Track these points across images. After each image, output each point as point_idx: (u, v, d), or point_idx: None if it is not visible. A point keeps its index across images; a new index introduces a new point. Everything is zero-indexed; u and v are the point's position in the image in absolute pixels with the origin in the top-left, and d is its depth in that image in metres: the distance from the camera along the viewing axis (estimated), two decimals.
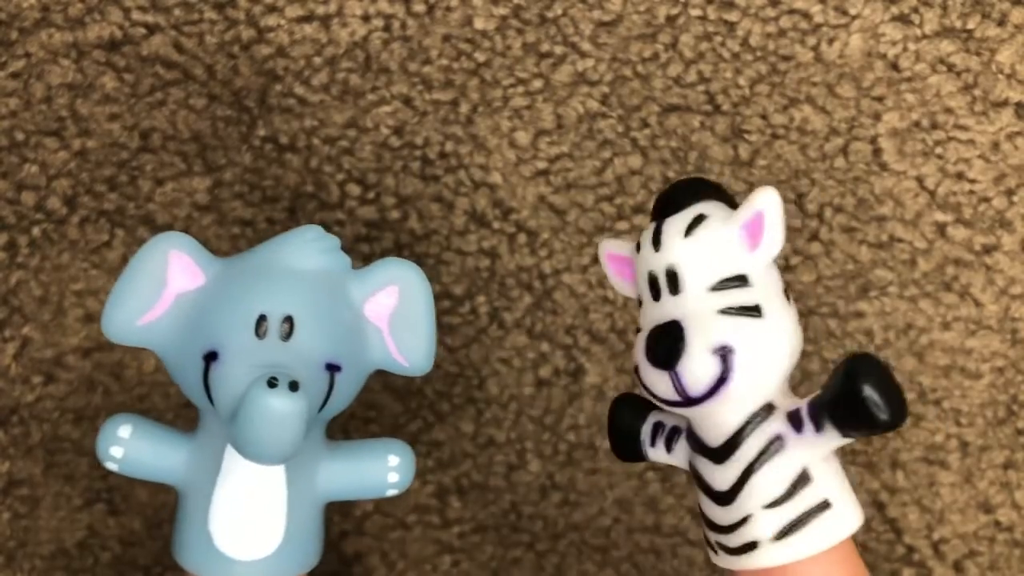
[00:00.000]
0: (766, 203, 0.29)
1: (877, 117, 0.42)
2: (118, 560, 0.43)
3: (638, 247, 0.31)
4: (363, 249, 0.43)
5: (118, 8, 0.41)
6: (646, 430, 0.32)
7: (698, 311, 0.29)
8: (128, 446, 0.33)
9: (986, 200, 0.43)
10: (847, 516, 0.29)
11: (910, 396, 0.43)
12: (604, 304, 0.43)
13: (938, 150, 0.43)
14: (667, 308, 0.29)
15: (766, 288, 0.29)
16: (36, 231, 0.42)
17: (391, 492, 0.35)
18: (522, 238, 0.43)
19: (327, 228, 0.42)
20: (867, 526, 0.43)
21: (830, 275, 0.43)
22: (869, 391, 0.27)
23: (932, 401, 0.43)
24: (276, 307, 0.32)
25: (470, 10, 0.42)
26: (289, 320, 0.32)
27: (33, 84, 0.41)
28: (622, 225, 0.43)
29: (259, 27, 0.42)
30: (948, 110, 0.42)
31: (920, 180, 0.43)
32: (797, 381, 0.43)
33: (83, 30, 0.41)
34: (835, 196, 0.43)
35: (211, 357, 0.31)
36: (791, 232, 0.43)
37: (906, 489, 0.44)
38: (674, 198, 0.31)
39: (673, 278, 0.29)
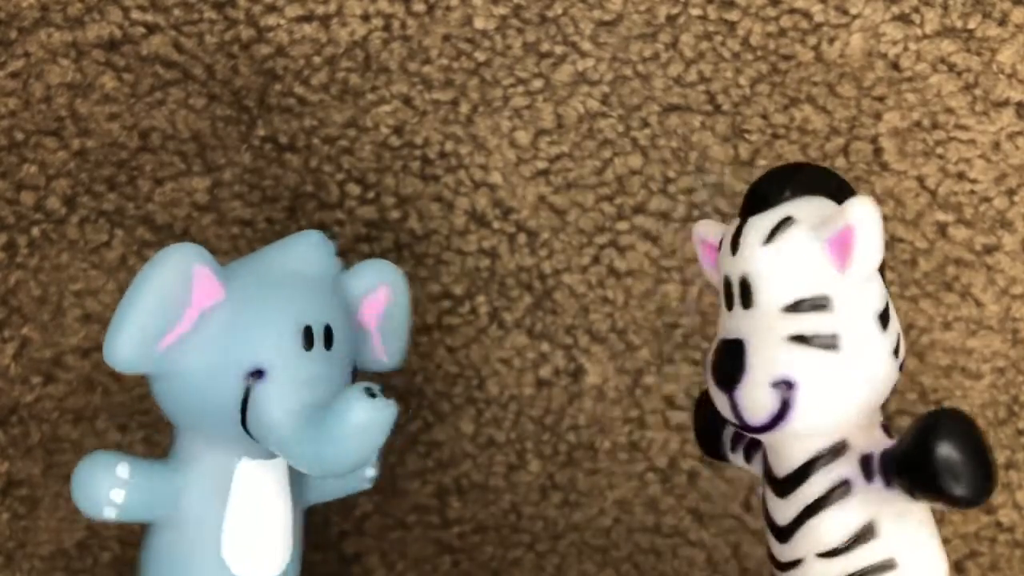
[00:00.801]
0: (859, 216, 0.25)
1: (878, 117, 0.42)
2: (117, 560, 0.43)
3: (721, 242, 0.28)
4: (363, 249, 0.43)
5: (117, 8, 0.41)
6: (727, 433, 0.30)
7: (766, 333, 0.26)
8: (130, 488, 0.31)
9: (987, 200, 0.43)
10: None
11: (911, 396, 0.43)
12: (604, 304, 0.43)
13: (939, 150, 0.42)
14: (736, 322, 0.26)
15: (851, 314, 0.26)
16: (35, 231, 0.42)
17: (366, 487, 0.36)
18: (522, 238, 0.43)
19: (327, 228, 0.42)
20: None
21: None
22: (945, 455, 0.23)
23: (933, 401, 0.43)
24: (317, 317, 0.31)
25: (470, 9, 0.42)
26: (328, 329, 0.31)
27: (32, 84, 0.41)
28: (622, 225, 0.43)
29: (259, 27, 0.42)
30: (949, 110, 0.42)
31: (921, 180, 0.43)
32: None
33: (82, 30, 0.41)
34: None
35: (256, 375, 0.30)
36: None
37: None
38: (767, 190, 0.27)
39: (746, 289, 0.26)
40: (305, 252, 0.32)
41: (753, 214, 0.27)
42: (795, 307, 0.26)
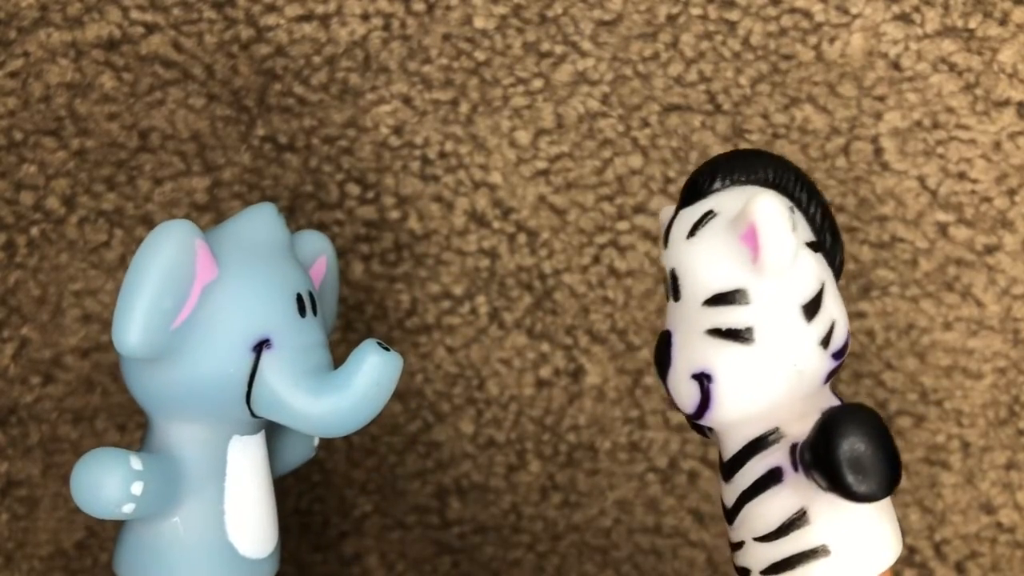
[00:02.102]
0: (760, 213, 0.25)
1: (878, 116, 0.42)
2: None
3: None
4: (363, 249, 0.43)
5: (117, 7, 0.41)
6: None
7: (688, 326, 0.26)
8: (146, 479, 0.29)
9: (988, 200, 0.43)
10: (850, 568, 0.26)
11: (912, 396, 0.43)
12: (604, 304, 0.43)
13: (940, 150, 0.42)
14: (670, 313, 0.27)
15: (770, 306, 0.26)
16: (35, 231, 0.42)
17: (312, 455, 0.37)
18: (522, 238, 0.43)
19: (326, 228, 0.42)
20: None
21: None
22: (846, 451, 0.24)
23: (934, 402, 0.43)
24: (303, 285, 0.32)
25: (470, 9, 0.42)
26: (311, 296, 0.32)
27: (31, 83, 0.41)
28: (623, 225, 0.43)
29: (258, 26, 0.42)
30: (950, 109, 0.42)
31: (922, 180, 0.43)
32: None
33: (82, 29, 0.41)
34: (836, 196, 0.43)
35: (262, 346, 0.30)
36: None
37: (907, 490, 0.44)
38: (698, 182, 0.27)
39: (675, 282, 0.27)
40: (265, 225, 0.33)
41: (685, 206, 0.27)
42: (713, 301, 0.26)
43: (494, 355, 0.43)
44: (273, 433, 0.35)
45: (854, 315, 0.43)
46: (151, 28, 0.41)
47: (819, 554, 0.26)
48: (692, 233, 0.27)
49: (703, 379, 0.26)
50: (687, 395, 0.26)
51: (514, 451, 0.44)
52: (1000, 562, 0.44)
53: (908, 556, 0.44)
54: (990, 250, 0.43)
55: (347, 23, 0.42)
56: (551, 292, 0.43)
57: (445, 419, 0.44)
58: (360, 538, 0.44)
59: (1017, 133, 0.42)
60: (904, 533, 0.44)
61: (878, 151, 0.42)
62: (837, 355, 0.27)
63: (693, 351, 0.26)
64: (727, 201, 0.27)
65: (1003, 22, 0.42)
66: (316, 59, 0.42)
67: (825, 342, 0.27)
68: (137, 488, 0.29)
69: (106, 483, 0.29)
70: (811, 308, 0.26)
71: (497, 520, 0.44)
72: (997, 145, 0.42)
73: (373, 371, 0.30)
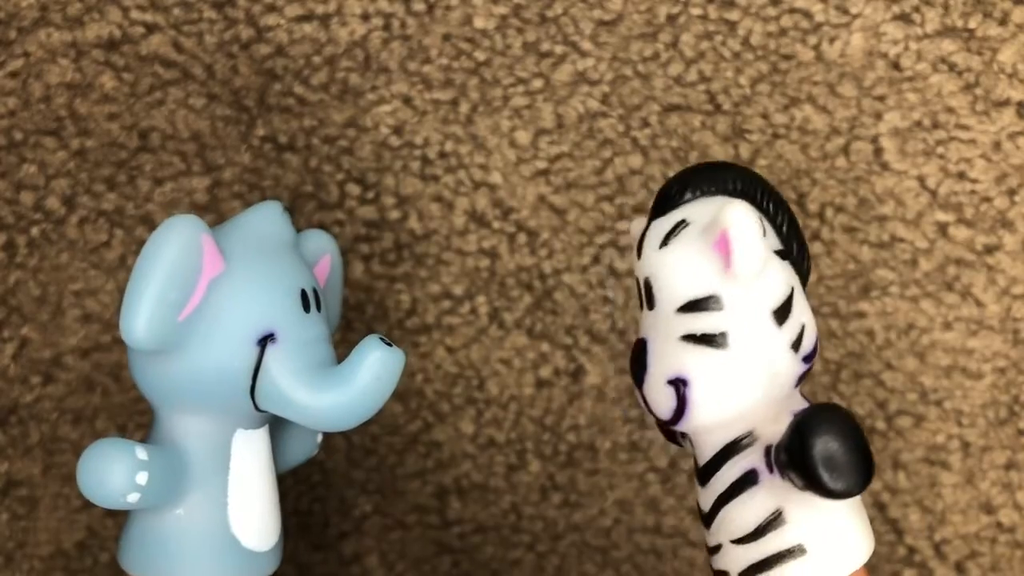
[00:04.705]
0: (732, 220, 0.26)
1: (878, 116, 0.42)
2: (117, 561, 0.43)
3: None
4: (363, 249, 0.43)
5: (117, 7, 0.41)
6: None
7: (663, 333, 0.27)
8: (151, 469, 0.30)
9: (987, 200, 0.43)
10: (826, 566, 0.26)
11: (912, 396, 0.43)
12: (604, 304, 0.43)
13: (939, 150, 0.42)
14: (644, 322, 0.28)
15: (743, 312, 0.27)
16: (35, 231, 0.42)
17: (315, 452, 0.37)
18: (522, 238, 0.43)
19: (326, 228, 0.42)
20: None
21: (831, 275, 0.43)
22: (820, 450, 0.24)
23: (934, 402, 0.43)
24: (307, 282, 0.32)
25: (470, 9, 0.42)
26: (315, 292, 0.32)
27: (32, 83, 0.41)
28: (623, 225, 0.43)
29: (258, 26, 0.42)
30: (949, 109, 0.42)
31: (921, 180, 0.43)
32: None
33: (82, 29, 0.41)
34: (836, 196, 0.43)
35: (267, 340, 0.30)
36: None
37: (907, 490, 0.44)
38: (669, 193, 0.28)
39: (649, 290, 0.28)
40: (271, 222, 0.33)
41: (657, 217, 0.28)
42: (686, 307, 0.27)
43: (494, 355, 0.43)
44: (277, 429, 0.35)
45: (854, 315, 0.43)
46: (151, 28, 0.41)
47: (795, 553, 0.26)
48: (665, 242, 0.27)
49: (679, 384, 0.26)
50: (663, 401, 0.27)
51: (514, 451, 0.44)
52: (1000, 562, 0.44)
53: (908, 556, 0.44)
54: (990, 250, 0.43)
55: (347, 23, 0.42)
56: (551, 292, 0.43)
57: (445, 419, 0.44)
58: (360, 538, 0.44)
59: (1017, 133, 0.42)
60: (904, 533, 0.44)
61: (878, 151, 0.42)
62: (807, 359, 0.28)
63: (668, 357, 0.27)
64: (698, 211, 0.28)
65: (1003, 22, 0.42)
66: (316, 59, 0.42)
67: (796, 346, 0.27)
68: (142, 478, 0.29)
69: (112, 472, 0.29)
70: (781, 313, 0.27)
71: (497, 520, 0.44)
72: (997, 145, 0.42)
73: (375, 366, 0.30)
